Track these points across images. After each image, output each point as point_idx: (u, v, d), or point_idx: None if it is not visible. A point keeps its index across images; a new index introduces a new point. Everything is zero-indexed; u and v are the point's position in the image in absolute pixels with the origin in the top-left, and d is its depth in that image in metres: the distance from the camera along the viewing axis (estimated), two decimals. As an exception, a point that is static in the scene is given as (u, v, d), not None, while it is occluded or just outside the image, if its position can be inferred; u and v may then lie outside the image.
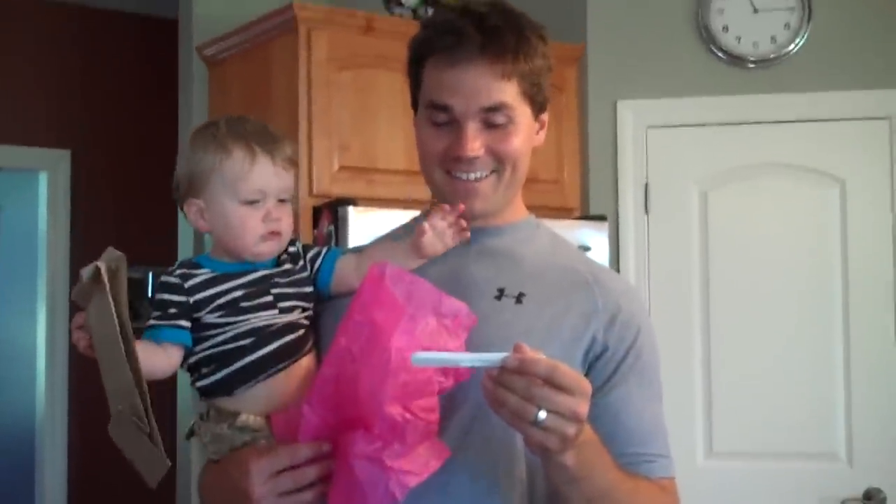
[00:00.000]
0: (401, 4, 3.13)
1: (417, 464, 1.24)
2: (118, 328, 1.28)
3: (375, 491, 1.23)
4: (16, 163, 4.60)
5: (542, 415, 1.15)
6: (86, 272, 1.31)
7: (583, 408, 1.18)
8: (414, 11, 3.12)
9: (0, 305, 5.26)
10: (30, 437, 4.73)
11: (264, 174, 1.40)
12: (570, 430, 1.17)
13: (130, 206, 4.59)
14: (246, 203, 1.41)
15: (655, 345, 1.50)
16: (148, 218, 4.39)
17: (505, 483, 1.38)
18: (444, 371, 1.26)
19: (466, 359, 1.23)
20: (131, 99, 4.78)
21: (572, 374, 1.18)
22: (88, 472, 4.54)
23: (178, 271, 1.41)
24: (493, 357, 1.17)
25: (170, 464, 1.32)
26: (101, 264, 1.30)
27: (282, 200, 1.44)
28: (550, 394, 1.15)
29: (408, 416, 1.23)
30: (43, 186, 4.63)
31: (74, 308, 1.37)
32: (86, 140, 4.67)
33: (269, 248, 1.43)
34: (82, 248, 4.58)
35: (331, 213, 2.66)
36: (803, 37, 3.18)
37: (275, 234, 1.42)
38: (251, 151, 1.40)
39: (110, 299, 1.28)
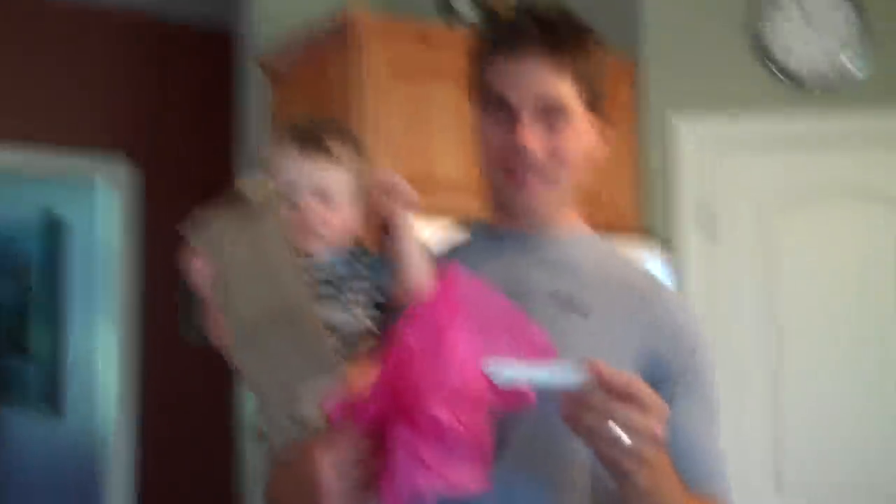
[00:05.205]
0: (457, 15, 3.13)
1: (453, 475, 1.24)
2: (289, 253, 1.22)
3: (403, 476, 1.24)
4: (74, 170, 4.68)
5: (624, 436, 1.14)
6: (249, 187, 1.28)
7: (660, 429, 1.17)
8: (471, 24, 3.13)
9: (67, 316, 5.31)
10: (96, 451, 4.74)
11: (289, 166, 1.42)
12: (649, 451, 1.17)
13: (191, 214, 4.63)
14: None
15: (713, 364, 1.49)
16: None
17: (568, 494, 1.37)
18: (498, 393, 1.25)
19: (543, 374, 1.22)
20: (188, 108, 4.85)
21: (650, 393, 1.18)
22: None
23: None
24: (571, 375, 1.17)
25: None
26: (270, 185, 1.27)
27: (322, 196, 1.42)
28: (630, 413, 1.15)
29: (455, 422, 1.22)
30: (103, 196, 4.71)
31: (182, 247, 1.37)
32: (149, 152, 4.75)
33: (309, 245, 1.42)
34: (147, 258, 4.67)
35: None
36: (863, 56, 3.13)
37: (303, 228, 1.41)
38: (283, 146, 1.43)
39: (279, 225, 1.23)
